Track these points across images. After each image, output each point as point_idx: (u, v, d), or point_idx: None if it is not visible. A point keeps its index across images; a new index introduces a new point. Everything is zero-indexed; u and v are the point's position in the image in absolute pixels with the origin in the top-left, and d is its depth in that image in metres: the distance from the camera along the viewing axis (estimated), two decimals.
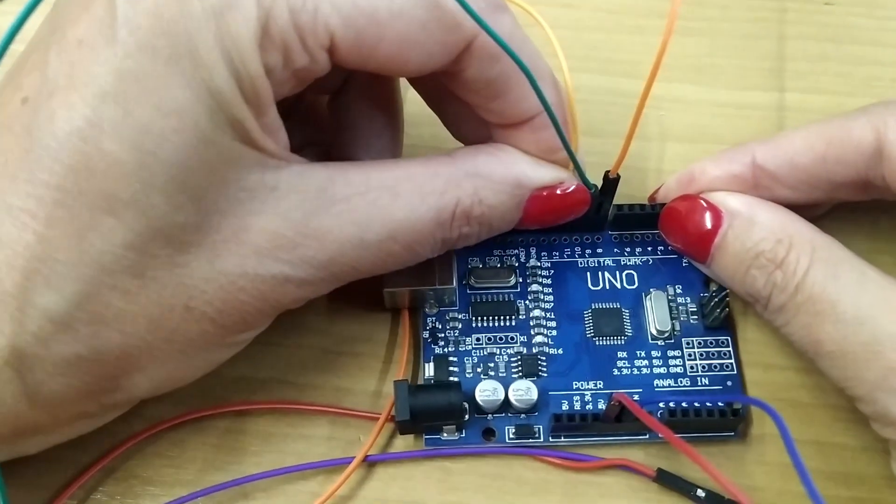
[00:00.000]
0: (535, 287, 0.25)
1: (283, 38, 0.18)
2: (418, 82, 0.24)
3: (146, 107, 0.17)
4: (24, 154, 0.18)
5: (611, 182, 0.24)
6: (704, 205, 0.24)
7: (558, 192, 0.23)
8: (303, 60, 0.19)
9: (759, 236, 0.23)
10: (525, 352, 0.25)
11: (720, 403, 0.23)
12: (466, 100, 0.22)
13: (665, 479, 0.23)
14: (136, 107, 0.17)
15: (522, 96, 0.21)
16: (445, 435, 0.24)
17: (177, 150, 0.18)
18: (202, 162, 0.18)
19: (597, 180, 0.24)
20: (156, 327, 0.20)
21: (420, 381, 0.25)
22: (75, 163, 0.18)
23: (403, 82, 0.25)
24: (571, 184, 0.23)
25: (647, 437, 0.24)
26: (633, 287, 0.25)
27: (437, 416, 0.23)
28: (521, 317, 0.25)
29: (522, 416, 0.24)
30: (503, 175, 0.22)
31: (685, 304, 0.25)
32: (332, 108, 0.25)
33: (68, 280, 0.18)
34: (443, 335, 0.25)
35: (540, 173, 0.23)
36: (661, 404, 0.23)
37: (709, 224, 0.23)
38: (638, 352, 0.25)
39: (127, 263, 0.18)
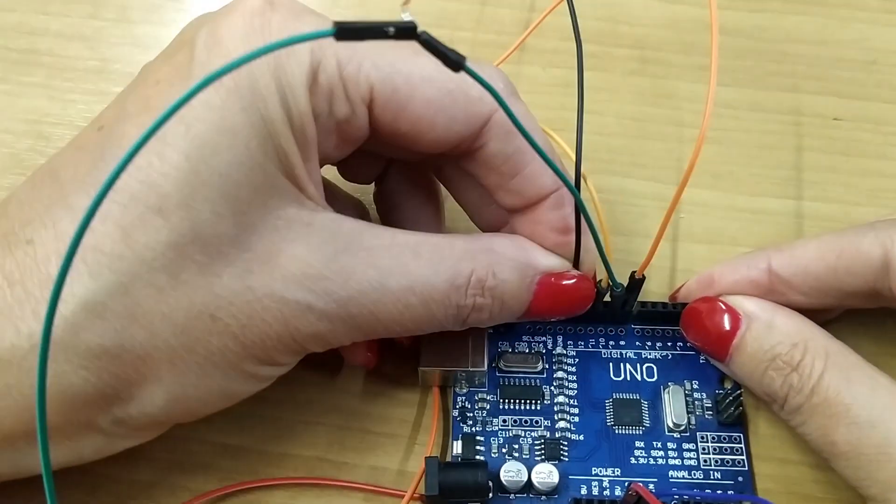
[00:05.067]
0: (560, 374, 0.27)
1: (330, 85, 0.21)
2: (442, 171, 0.26)
3: (206, 124, 0.20)
4: (93, 165, 0.20)
5: (636, 281, 0.26)
6: (724, 307, 0.25)
7: (565, 281, 0.24)
8: (345, 110, 0.21)
9: (776, 339, 0.24)
10: (548, 436, 0.26)
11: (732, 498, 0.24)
12: (486, 182, 0.24)
13: None
14: (197, 124, 0.20)
15: (538, 173, 0.23)
16: None
17: (227, 165, 0.20)
18: (248, 181, 0.20)
19: (621, 277, 0.26)
20: (180, 332, 0.20)
21: (448, 458, 0.26)
22: (136, 168, 0.19)
23: None
24: (578, 274, 0.25)
25: None
26: (653, 380, 0.27)
27: (463, 494, 0.24)
28: (545, 402, 0.26)
29: (544, 497, 0.25)
30: (516, 255, 0.24)
31: (701, 400, 0.26)
32: (377, 196, 0.27)
33: (108, 270, 0.20)
34: (471, 415, 0.26)
35: (550, 260, 0.24)
36: (675, 495, 0.25)
37: (728, 325, 0.25)
38: (654, 443, 0.26)
39: (165, 262, 0.20)
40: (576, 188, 0.23)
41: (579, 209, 0.23)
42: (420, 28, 0.18)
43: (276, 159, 0.21)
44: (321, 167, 0.23)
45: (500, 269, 0.23)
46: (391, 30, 0.18)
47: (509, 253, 0.24)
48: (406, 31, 0.18)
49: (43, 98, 0.33)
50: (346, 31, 0.18)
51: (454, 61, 0.19)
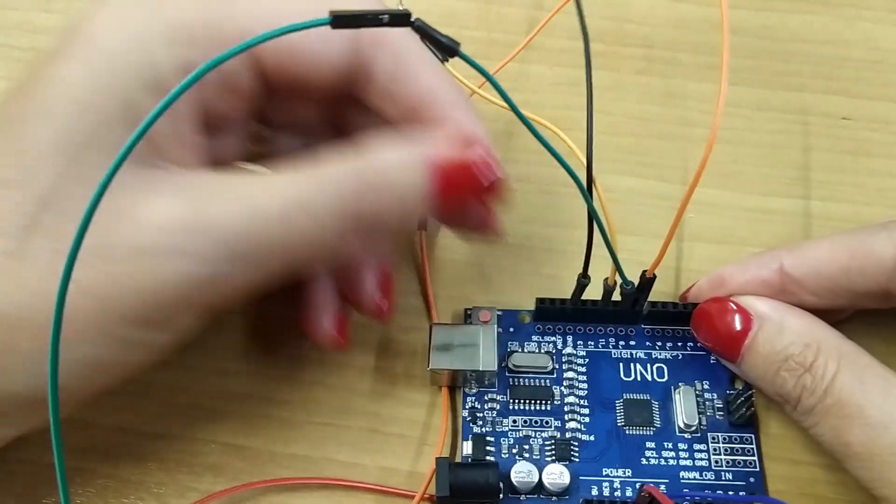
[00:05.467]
0: (570, 374, 0.27)
1: (202, 35, 0.21)
2: (346, 121, 0.25)
3: (46, 87, 0.20)
4: None
5: (647, 280, 0.25)
6: (734, 307, 0.25)
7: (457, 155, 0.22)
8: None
9: (788, 340, 0.24)
10: (559, 436, 0.26)
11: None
12: (388, 111, 0.24)
13: None
14: (36, 88, 0.21)
15: (430, 85, 0.23)
16: None
17: (71, 132, 0.20)
18: (95, 144, 0.20)
19: (631, 277, 0.26)
20: (37, 299, 0.19)
21: (458, 459, 0.26)
22: None
23: None
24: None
25: None
26: (663, 380, 0.27)
27: (473, 495, 0.24)
28: (556, 402, 0.26)
29: (554, 498, 0.25)
30: (399, 145, 0.22)
31: (712, 400, 0.26)
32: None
33: None
34: (481, 415, 0.26)
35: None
36: (686, 497, 0.24)
37: (739, 326, 0.25)
38: (665, 443, 0.26)
39: (14, 230, 0.19)
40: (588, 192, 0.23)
41: (591, 212, 0.23)
42: (414, 16, 0.18)
43: (126, 121, 0.20)
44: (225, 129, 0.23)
45: (386, 156, 0.21)
46: (385, 17, 0.18)
47: (395, 145, 0.22)
48: (400, 18, 0.18)
49: None
50: (342, 20, 0.18)
51: (448, 47, 0.19)
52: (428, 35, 0.19)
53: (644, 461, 0.25)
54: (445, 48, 0.19)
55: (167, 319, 0.21)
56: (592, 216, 0.23)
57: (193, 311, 0.21)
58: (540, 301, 0.27)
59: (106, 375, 0.21)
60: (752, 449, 0.26)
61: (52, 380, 0.17)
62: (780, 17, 0.36)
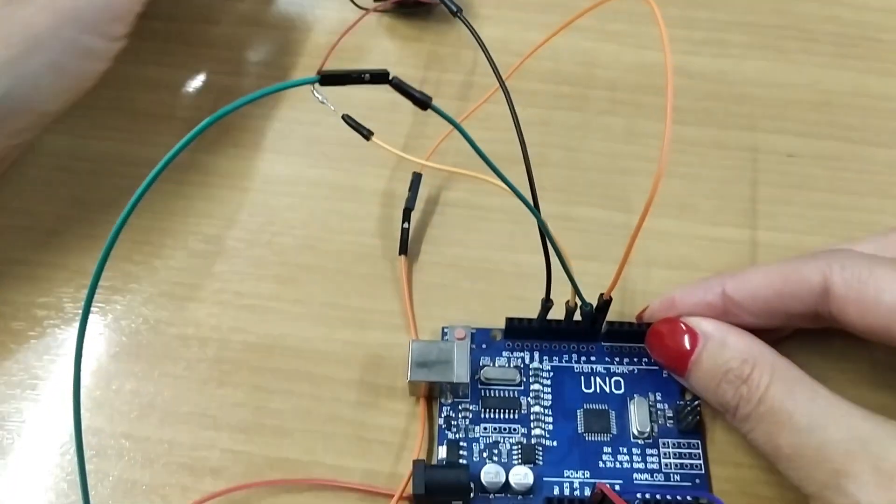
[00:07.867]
0: (536, 386, 0.30)
1: None
2: None
3: None
4: None
5: (604, 302, 0.28)
6: (683, 328, 0.28)
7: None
8: None
9: (728, 356, 0.27)
10: (525, 442, 0.29)
11: (689, 497, 0.27)
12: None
13: None
14: None
15: None
16: None
17: None
18: None
19: (593, 298, 0.29)
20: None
21: (434, 462, 0.28)
22: None
23: None
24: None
25: None
26: (620, 392, 0.30)
27: (447, 493, 0.27)
28: (523, 411, 0.29)
29: (520, 497, 0.28)
30: None
31: (663, 410, 0.29)
32: None
33: None
34: (455, 423, 0.29)
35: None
36: (638, 495, 0.27)
37: (687, 344, 0.28)
38: (621, 448, 0.29)
39: None
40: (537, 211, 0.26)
41: (544, 231, 0.26)
42: (392, 74, 0.21)
43: None
44: None
45: None
46: (367, 76, 0.21)
47: None
48: (379, 77, 0.21)
49: None
50: (329, 78, 0.21)
51: (422, 101, 0.22)
52: (404, 91, 0.22)
53: (601, 464, 0.28)
54: (420, 102, 0.22)
55: (109, 25, 0.28)
56: (544, 232, 0.26)
57: (129, 19, 0.28)
58: (509, 320, 0.30)
59: (64, 83, 0.27)
60: (699, 453, 0.28)
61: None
62: (735, 62, 0.39)
